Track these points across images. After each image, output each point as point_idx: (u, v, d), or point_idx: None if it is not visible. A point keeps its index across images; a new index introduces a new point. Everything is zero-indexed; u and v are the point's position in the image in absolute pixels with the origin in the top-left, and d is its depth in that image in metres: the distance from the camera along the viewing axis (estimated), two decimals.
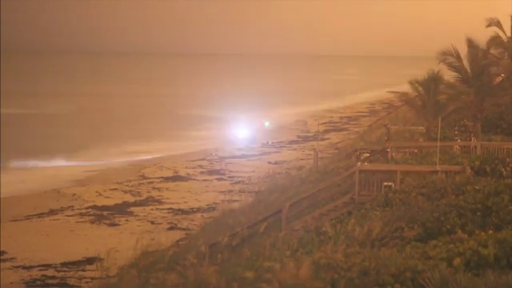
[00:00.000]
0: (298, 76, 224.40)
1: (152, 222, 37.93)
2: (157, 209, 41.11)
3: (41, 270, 30.04)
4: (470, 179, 23.22)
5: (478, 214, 18.36)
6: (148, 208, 41.34)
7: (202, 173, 53.18)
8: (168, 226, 37.04)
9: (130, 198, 43.94)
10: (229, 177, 51.41)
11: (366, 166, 29.17)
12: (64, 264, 30.64)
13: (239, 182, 48.30)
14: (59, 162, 56.30)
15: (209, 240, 25.66)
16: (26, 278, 29.20)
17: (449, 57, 40.33)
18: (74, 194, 45.02)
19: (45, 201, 43.35)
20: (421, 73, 40.57)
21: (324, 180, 31.15)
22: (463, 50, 40.75)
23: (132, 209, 41.14)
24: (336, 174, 31.36)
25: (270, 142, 69.05)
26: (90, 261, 30.69)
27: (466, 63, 40.64)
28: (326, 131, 79.13)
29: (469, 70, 40.50)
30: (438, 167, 26.47)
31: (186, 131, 78.16)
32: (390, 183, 25.86)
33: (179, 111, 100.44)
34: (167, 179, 50.32)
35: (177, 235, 34.25)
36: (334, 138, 72.58)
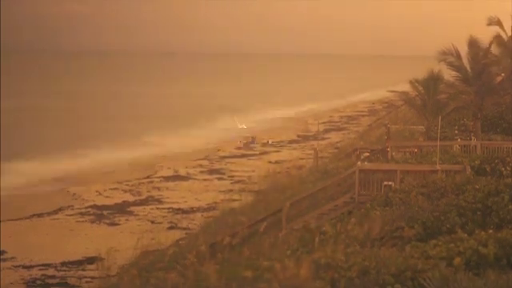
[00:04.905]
0: (298, 75, 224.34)
1: (152, 222, 37.95)
2: (157, 208, 41.12)
3: (41, 269, 30.05)
4: (470, 179, 23.21)
5: (478, 213, 18.35)
6: (148, 207, 41.35)
7: (202, 172, 53.21)
8: (168, 225, 37.05)
9: (129, 198, 43.95)
10: (229, 176, 51.44)
11: (366, 165, 29.17)
12: (64, 263, 30.65)
13: (239, 182, 48.32)
14: (58, 162, 56.25)
15: (209, 239, 25.65)
16: (26, 277, 29.21)
17: (449, 56, 40.39)
18: (74, 194, 45.05)
19: (45, 200, 43.36)
20: (421, 72, 40.62)
21: (324, 179, 31.16)
22: (463, 50, 40.81)
23: (132, 208, 41.15)
24: (336, 174, 31.37)
25: (270, 142, 69.08)
26: (90, 260, 30.70)
27: (466, 62, 40.69)
28: (326, 131, 79.16)
29: (469, 70, 40.54)
30: (438, 166, 26.48)
31: (186, 130, 78.09)
32: (390, 183, 25.88)
33: (179, 110, 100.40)
34: (167, 178, 50.33)
35: (177, 235, 34.25)
36: (334, 137, 72.62)
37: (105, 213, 39.96)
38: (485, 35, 43.20)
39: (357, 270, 12.42)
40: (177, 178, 50.84)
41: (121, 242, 32.71)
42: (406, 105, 45.56)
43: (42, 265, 30.52)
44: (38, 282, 28.73)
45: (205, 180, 50.15)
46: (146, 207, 41.45)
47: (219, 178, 50.74)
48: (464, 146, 35.42)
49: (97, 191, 45.67)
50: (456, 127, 42.31)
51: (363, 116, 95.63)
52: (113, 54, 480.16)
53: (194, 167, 55.15)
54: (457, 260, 12.93)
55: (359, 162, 31.02)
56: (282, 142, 70.73)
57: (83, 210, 40.63)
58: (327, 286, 12.08)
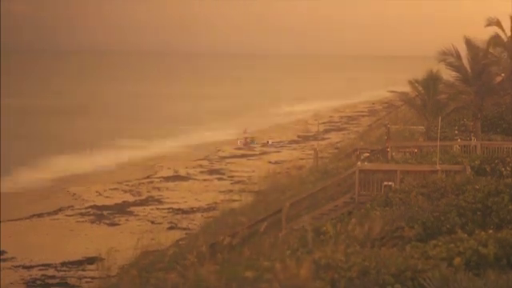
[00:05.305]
0: (298, 76, 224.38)
1: (152, 222, 37.96)
2: (157, 208, 41.12)
3: (41, 269, 30.05)
4: (470, 179, 23.22)
5: (478, 213, 18.34)
6: (148, 208, 41.35)
7: (202, 172, 53.20)
8: (168, 225, 37.06)
9: (129, 198, 43.96)
10: (229, 176, 51.43)
11: (366, 165, 29.18)
12: (64, 264, 30.65)
13: (239, 182, 48.32)
14: (58, 162, 56.25)
15: (209, 240, 25.66)
16: (26, 277, 29.21)
17: (449, 56, 40.42)
18: (74, 194, 45.05)
19: (45, 200, 43.36)
20: (421, 72, 40.64)
21: (324, 180, 31.17)
22: (463, 50, 40.84)
23: (132, 208, 41.15)
24: (336, 174, 31.39)
25: (270, 142, 69.08)
26: (90, 260, 30.71)
27: (465, 63, 40.72)
28: (326, 131, 79.15)
29: (469, 70, 40.58)
30: (438, 167, 26.49)
31: (187, 130, 78.07)
32: (390, 183, 25.89)
33: (180, 110, 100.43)
34: (167, 179, 50.33)
35: (177, 235, 34.26)
36: (334, 137, 72.60)
37: (105, 213, 39.97)
38: (485, 35, 43.29)
39: (357, 270, 12.42)
40: (177, 178, 50.84)
41: (121, 242, 32.72)
42: (406, 105, 45.60)
43: (42, 265, 30.52)
44: (38, 282, 28.73)
45: (205, 180, 50.16)
46: (145, 207, 41.45)
47: (219, 179, 50.75)
48: (464, 146, 35.44)
49: (97, 191, 45.67)
50: (456, 127, 42.33)
51: (363, 116, 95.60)
52: (114, 53, 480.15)
53: (193, 167, 55.15)
54: (457, 260, 12.94)
55: (359, 162, 31.02)
56: (281, 142, 70.72)
57: (83, 210, 40.63)
58: (327, 286, 12.08)
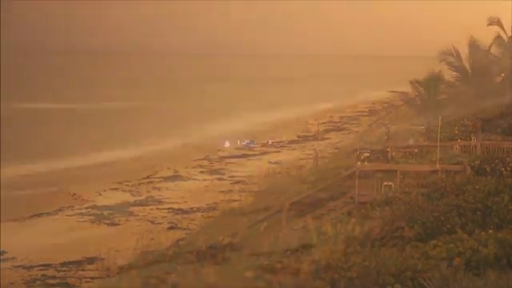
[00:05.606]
0: (298, 76, 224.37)
1: (152, 222, 37.95)
2: (157, 208, 41.13)
3: (41, 269, 30.05)
4: (470, 179, 23.22)
5: (478, 213, 18.33)
6: (148, 208, 41.35)
7: (202, 172, 53.19)
8: (168, 225, 37.06)
9: (129, 198, 43.95)
10: (229, 176, 51.43)
11: (366, 165, 29.20)
12: (64, 264, 30.64)
13: (239, 182, 48.31)
14: (58, 162, 56.25)
15: (209, 240, 25.66)
16: (26, 277, 29.20)
17: (449, 56, 40.47)
18: (74, 194, 45.03)
19: (45, 200, 43.35)
20: (421, 73, 40.70)
21: (324, 180, 31.17)
22: (463, 50, 40.89)
23: (132, 208, 41.14)
24: (336, 174, 31.38)
25: (270, 142, 69.07)
26: (90, 260, 30.71)
27: (466, 63, 40.77)
28: (326, 131, 79.10)
29: (469, 70, 40.62)
30: (438, 167, 26.50)
31: (186, 130, 78.09)
32: (390, 183, 25.91)
33: (179, 110, 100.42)
34: (167, 179, 50.32)
35: (177, 235, 34.26)
36: (334, 137, 72.56)
37: (105, 213, 39.97)
38: (485, 36, 43.32)
39: (357, 270, 12.43)
40: (177, 178, 50.83)
41: (121, 242, 32.71)
42: (406, 105, 45.66)
43: (42, 265, 30.52)
44: (38, 282, 28.72)
45: (205, 180, 50.16)
46: (145, 207, 41.45)
47: (219, 179, 50.75)
48: (464, 146, 35.42)
49: (97, 191, 45.66)
50: (456, 127, 42.30)
51: (363, 116, 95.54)
52: (114, 53, 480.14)
53: (193, 167, 55.13)
54: (457, 260, 12.95)
55: (359, 162, 31.02)
56: (281, 142, 70.70)
57: (83, 210, 40.63)
58: (327, 286, 12.09)
